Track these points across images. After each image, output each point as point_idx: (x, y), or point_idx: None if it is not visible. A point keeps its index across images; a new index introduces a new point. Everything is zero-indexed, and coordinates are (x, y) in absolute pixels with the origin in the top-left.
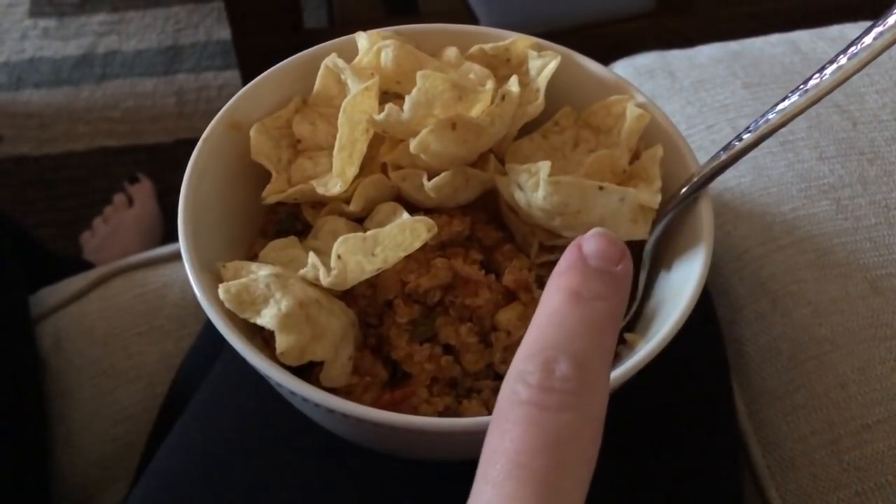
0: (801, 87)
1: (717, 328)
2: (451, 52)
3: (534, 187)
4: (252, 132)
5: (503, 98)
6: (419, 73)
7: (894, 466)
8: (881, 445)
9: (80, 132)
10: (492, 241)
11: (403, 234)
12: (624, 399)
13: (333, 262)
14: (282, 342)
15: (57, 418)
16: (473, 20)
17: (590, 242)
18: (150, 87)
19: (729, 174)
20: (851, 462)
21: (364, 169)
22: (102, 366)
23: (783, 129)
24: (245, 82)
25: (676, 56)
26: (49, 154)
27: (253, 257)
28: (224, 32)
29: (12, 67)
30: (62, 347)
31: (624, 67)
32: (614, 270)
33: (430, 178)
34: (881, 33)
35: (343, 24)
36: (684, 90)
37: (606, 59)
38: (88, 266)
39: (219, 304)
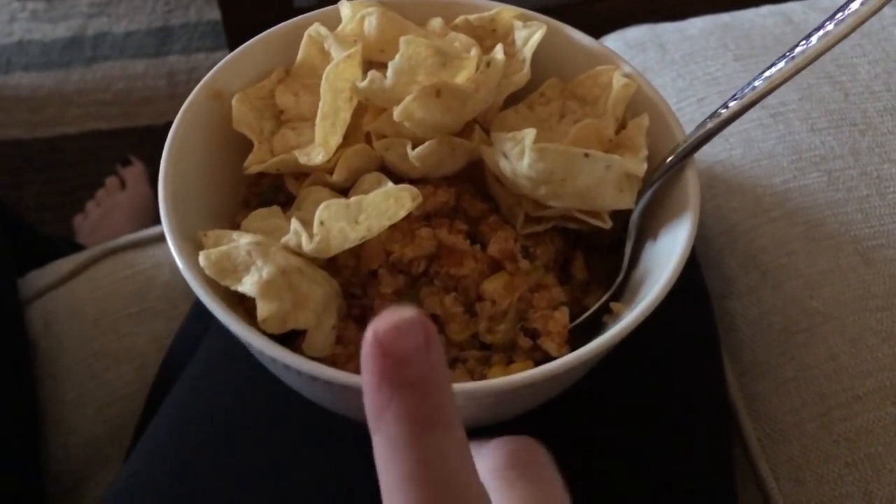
0: (788, 54)
1: (707, 301)
2: (435, 23)
3: (519, 155)
4: (234, 101)
5: (488, 65)
6: (402, 39)
7: (884, 437)
8: (871, 416)
9: (71, 115)
10: (477, 212)
11: (388, 202)
12: (614, 371)
13: (316, 228)
14: (263, 309)
15: (48, 401)
16: None
17: (391, 341)
18: (141, 68)
19: (720, 146)
20: (842, 434)
21: (348, 138)
22: (93, 347)
23: (774, 101)
24: None
25: (667, 28)
26: (40, 137)
27: (235, 227)
28: (215, 13)
29: (1, 50)
30: (52, 330)
31: (615, 40)
32: (431, 365)
33: (414, 148)
34: None
35: (333, 2)
36: (675, 63)
37: (598, 33)
38: (80, 249)
39: (200, 272)
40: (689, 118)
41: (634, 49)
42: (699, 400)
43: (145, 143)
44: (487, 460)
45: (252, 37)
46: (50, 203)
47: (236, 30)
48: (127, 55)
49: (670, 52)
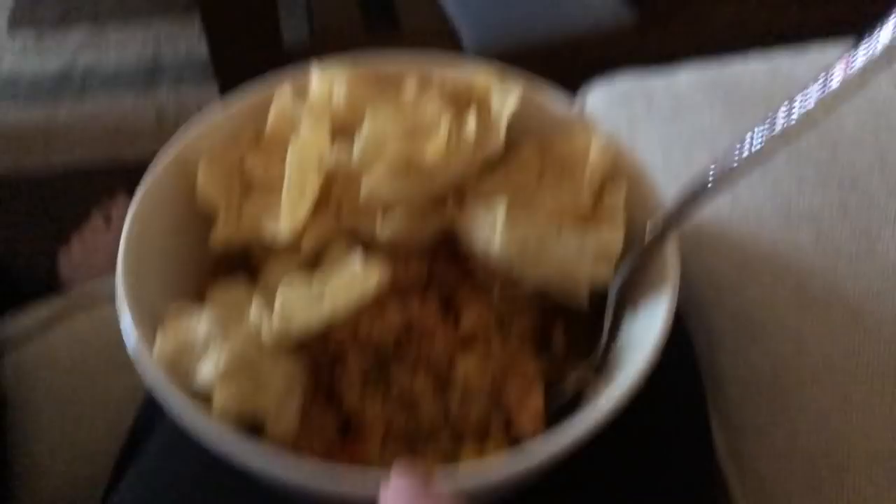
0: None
1: (693, 361)
2: (410, 85)
3: (491, 230)
4: (200, 166)
5: (458, 138)
6: (368, 112)
7: None
8: (862, 482)
9: (58, 149)
10: (452, 279)
11: (353, 284)
12: (599, 436)
13: (275, 318)
14: (218, 401)
15: (17, 452)
16: (454, 34)
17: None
18: (130, 103)
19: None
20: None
21: (318, 205)
22: (67, 400)
23: None
24: (223, 98)
25: (654, 80)
26: (26, 171)
27: (202, 296)
28: (205, 48)
29: None
30: (25, 381)
31: (601, 90)
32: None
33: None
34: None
35: (322, 36)
36: (662, 115)
37: (587, 76)
38: (58, 289)
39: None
40: (675, 172)
41: (621, 100)
42: (685, 463)
43: (132, 179)
44: None
45: (240, 72)
46: (34, 237)
47: (224, 65)
48: (116, 90)
49: (657, 104)
